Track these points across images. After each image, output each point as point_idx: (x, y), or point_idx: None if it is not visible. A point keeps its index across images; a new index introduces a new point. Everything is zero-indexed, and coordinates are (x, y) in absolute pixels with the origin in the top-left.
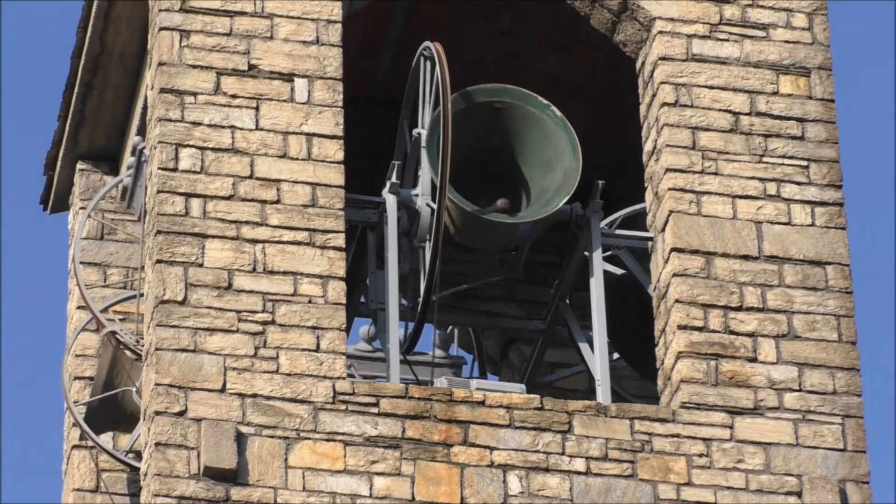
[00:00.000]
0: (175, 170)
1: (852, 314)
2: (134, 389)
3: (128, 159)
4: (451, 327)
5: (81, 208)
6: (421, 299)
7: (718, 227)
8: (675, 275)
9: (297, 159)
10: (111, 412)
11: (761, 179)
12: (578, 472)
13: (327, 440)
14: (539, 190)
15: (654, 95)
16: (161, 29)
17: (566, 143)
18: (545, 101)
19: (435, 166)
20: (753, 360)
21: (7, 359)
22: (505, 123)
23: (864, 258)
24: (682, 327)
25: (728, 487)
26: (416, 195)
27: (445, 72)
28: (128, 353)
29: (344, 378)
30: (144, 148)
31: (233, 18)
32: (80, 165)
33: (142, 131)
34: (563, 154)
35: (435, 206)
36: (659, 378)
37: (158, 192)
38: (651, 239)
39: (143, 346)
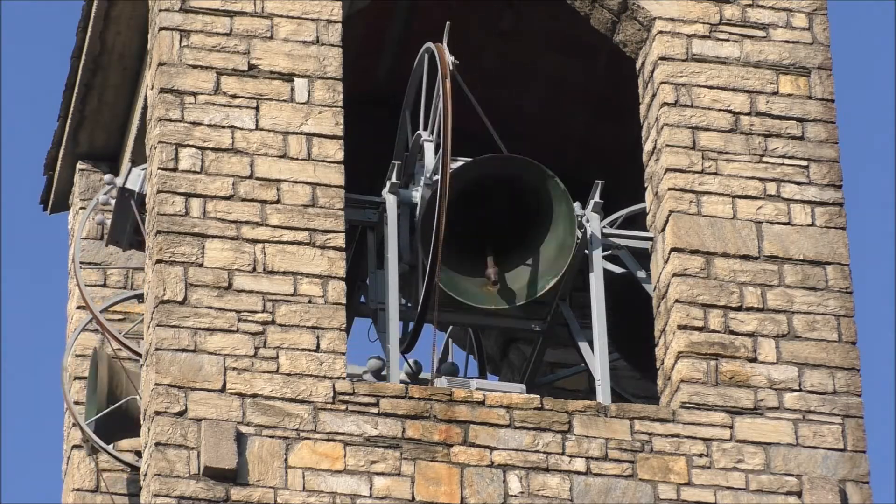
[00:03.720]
0: (175, 170)
1: (852, 314)
2: (138, 397)
3: (100, 196)
4: (450, 327)
5: (81, 208)
6: (421, 299)
7: (718, 227)
8: (675, 275)
9: (297, 159)
10: (119, 422)
11: (761, 179)
12: (578, 472)
13: (327, 440)
14: (532, 259)
15: (654, 95)
16: (161, 29)
17: (564, 216)
18: (550, 173)
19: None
20: (753, 360)
21: (7, 359)
22: (506, 190)
23: (864, 258)
24: (682, 327)
25: (728, 487)
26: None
27: (447, 70)
28: (124, 358)
29: (344, 378)
30: (122, 185)
31: (233, 18)
32: (80, 165)
33: (142, 131)
34: (559, 228)
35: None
36: (659, 378)
37: (158, 192)
38: (651, 239)
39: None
